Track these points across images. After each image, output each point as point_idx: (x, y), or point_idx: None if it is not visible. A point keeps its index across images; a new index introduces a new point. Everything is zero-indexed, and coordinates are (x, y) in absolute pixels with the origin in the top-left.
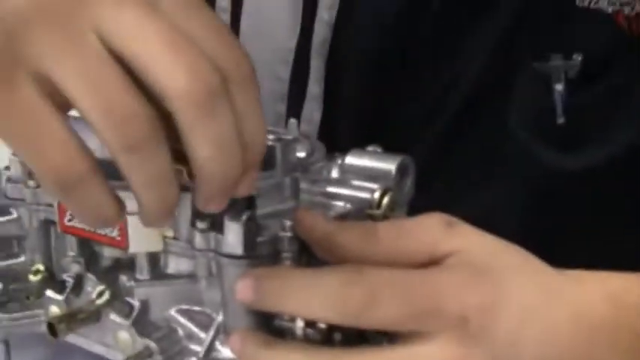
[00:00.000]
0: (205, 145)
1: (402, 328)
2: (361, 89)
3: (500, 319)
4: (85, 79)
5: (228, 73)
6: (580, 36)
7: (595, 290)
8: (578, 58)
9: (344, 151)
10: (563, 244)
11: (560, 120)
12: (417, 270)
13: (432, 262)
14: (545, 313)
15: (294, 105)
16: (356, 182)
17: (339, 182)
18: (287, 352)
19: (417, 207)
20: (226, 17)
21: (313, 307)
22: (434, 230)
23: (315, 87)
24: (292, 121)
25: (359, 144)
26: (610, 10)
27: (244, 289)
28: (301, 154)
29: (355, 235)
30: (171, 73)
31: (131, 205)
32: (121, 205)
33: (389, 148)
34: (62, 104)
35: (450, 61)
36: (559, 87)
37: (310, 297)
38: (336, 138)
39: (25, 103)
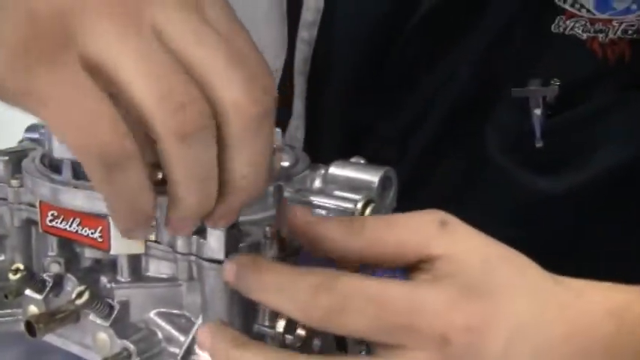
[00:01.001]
0: (183, 169)
1: (373, 339)
2: (342, 105)
3: (487, 340)
4: (143, 64)
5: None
6: (557, 61)
7: (596, 305)
8: (556, 83)
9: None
10: (544, 266)
11: (539, 144)
12: (398, 283)
13: (422, 262)
14: (539, 330)
15: (281, 124)
16: (339, 193)
17: (322, 192)
18: (259, 353)
19: None
20: None
21: (283, 306)
22: (426, 228)
23: (299, 104)
24: (277, 130)
25: (340, 158)
26: (585, 36)
27: (228, 271)
28: (285, 164)
29: (338, 227)
30: (229, 86)
31: None
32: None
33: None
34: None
35: (428, 79)
36: (537, 111)
37: (282, 296)
38: (320, 154)
39: (75, 82)
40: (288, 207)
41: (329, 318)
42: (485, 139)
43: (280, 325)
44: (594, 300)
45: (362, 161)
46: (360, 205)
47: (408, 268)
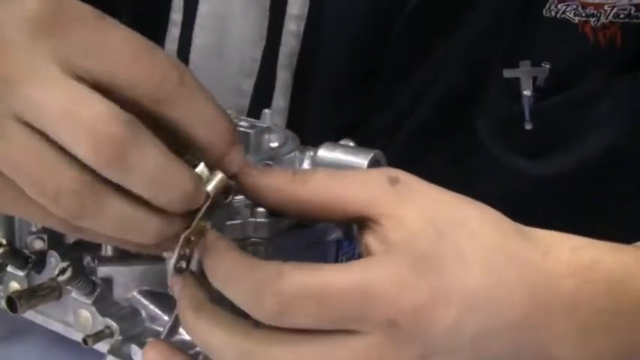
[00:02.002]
0: None
1: (321, 329)
2: (329, 100)
3: (435, 317)
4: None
5: None
6: (548, 45)
7: (561, 264)
8: (546, 65)
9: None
10: None
11: (528, 126)
12: (345, 272)
13: (369, 220)
14: (494, 294)
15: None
16: None
17: None
18: (212, 321)
19: None
20: (177, 31)
21: (233, 299)
22: (373, 185)
23: (279, 100)
24: (266, 111)
25: None
26: (576, 20)
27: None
28: (274, 144)
29: (280, 177)
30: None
31: None
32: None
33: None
34: None
35: (419, 71)
36: (527, 92)
37: (231, 289)
38: (306, 140)
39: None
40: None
41: (273, 318)
42: (475, 123)
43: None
44: (560, 259)
45: (351, 144)
46: None
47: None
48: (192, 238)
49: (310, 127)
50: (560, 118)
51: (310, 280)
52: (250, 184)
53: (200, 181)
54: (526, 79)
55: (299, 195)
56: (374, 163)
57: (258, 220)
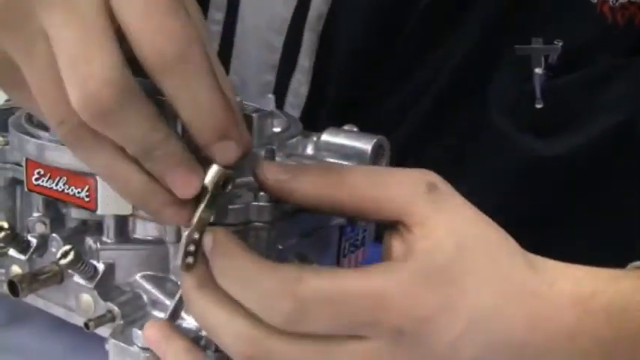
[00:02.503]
0: None
1: (333, 334)
2: (350, 68)
3: (441, 328)
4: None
5: None
6: (562, 23)
7: (564, 294)
8: (559, 43)
9: (325, 127)
10: (539, 231)
11: (539, 104)
12: (361, 277)
13: (400, 223)
14: (498, 322)
15: (283, 76)
16: (331, 160)
17: (314, 159)
18: (216, 299)
19: None
20: None
21: (246, 303)
22: (411, 190)
23: (305, 60)
24: (270, 96)
25: (342, 122)
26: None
27: (206, 245)
28: (277, 129)
29: (315, 178)
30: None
31: None
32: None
33: (370, 129)
34: None
35: (439, 45)
36: (538, 70)
37: (244, 294)
38: (321, 114)
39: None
40: (258, 163)
41: (289, 323)
42: (486, 101)
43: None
44: (564, 290)
45: (355, 129)
46: None
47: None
48: (196, 235)
49: (332, 89)
50: (572, 98)
51: (329, 285)
52: (285, 192)
53: (178, 153)
54: (538, 56)
55: (335, 199)
56: (377, 149)
57: (261, 203)
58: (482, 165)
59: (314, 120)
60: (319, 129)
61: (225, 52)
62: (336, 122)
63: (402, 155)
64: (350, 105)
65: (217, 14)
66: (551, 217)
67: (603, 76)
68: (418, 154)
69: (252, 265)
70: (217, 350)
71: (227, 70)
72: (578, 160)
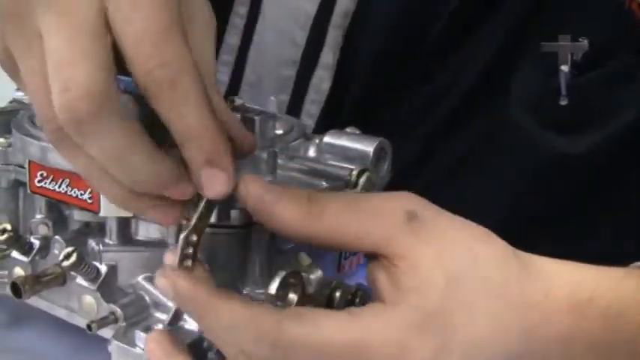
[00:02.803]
0: None
1: None
2: (374, 66)
3: None
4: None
5: None
6: (590, 20)
7: (561, 299)
8: (585, 40)
9: (347, 124)
10: (551, 229)
11: (564, 102)
12: (346, 327)
13: (381, 257)
14: (493, 342)
15: (303, 72)
16: (333, 162)
17: (317, 161)
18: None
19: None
20: None
21: (223, 347)
22: (391, 222)
23: (328, 56)
24: (272, 98)
25: (363, 120)
26: None
27: (164, 286)
28: (279, 132)
29: (296, 210)
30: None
31: None
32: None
33: (392, 128)
34: None
35: (463, 46)
36: (564, 68)
37: (225, 341)
38: (341, 111)
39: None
40: (241, 178)
41: None
42: (509, 96)
43: (273, 287)
44: (560, 296)
45: (357, 132)
46: (355, 174)
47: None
48: (195, 238)
49: (353, 88)
50: (595, 95)
51: (310, 332)
52: (265, 216)
53: (162, 175)
54: (565, 53)
55: (315, 232)
56: (379, 151)
57: None
58: (502, 162)
59: (334, 117)
60: (340, 126)
61: (244, 47)
62: (357, 120)
63: (422, 155)
64: (370, 104)
65: (242, 9)
66: (565, 214)
67: (627, 73)
68: (438, 153)
69: (233, 314)
70: (219, 352)
71: (243, 65)
72: (599, 157)
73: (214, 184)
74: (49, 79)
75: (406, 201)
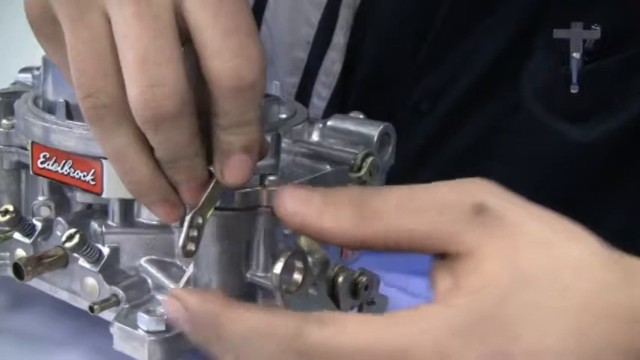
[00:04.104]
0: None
1: None
2: (384, 48)
3: None
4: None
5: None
6: (601, 7)
7: None
8: (598, 27)
9: (356, 107)
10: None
11: (574, 89)
12: (372, 332)
13: (445, 255)
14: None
15: (317, 53)
16: (337, 146)
17: (321, 145)
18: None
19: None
20: None
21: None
22: (454, 216)
23: (339, 36)
24: (276, 82)
25: (373, 103)
26: None
27: (174, 307)
28: (283, 115)
29: (345, 215)
30: (217, 55)
31: None
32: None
33: (401, 113)
34: None
35: (474, 31)
36: (576, 55)
37: (247, 353)
38: (351, 94)
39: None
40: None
41: None
42: (520, 84)
43: (278, 267)
44: None
45: (361, 116)
46: (360, 157)
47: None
48: (200, 220)
49: (364, 68)
50: (607, 83)
51: (333, 338)
52: (304, 225)
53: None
54: (576, 41)
55: (369, 235)
56: (383, 136)
57: (269, 188)
58: (513, 151)
59: (344, 99)
60: (350, 109)
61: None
62: (366, 103)
63: (430, 142)
64: (382, 85)
65: None
66: (576, 203)
67: (639, 61)
68: (447, 141)
69: (247, 323)
70: None
71: None
72: (610, 147)
73: (239, 171)
74: (125, 68)
75: (474, 191)
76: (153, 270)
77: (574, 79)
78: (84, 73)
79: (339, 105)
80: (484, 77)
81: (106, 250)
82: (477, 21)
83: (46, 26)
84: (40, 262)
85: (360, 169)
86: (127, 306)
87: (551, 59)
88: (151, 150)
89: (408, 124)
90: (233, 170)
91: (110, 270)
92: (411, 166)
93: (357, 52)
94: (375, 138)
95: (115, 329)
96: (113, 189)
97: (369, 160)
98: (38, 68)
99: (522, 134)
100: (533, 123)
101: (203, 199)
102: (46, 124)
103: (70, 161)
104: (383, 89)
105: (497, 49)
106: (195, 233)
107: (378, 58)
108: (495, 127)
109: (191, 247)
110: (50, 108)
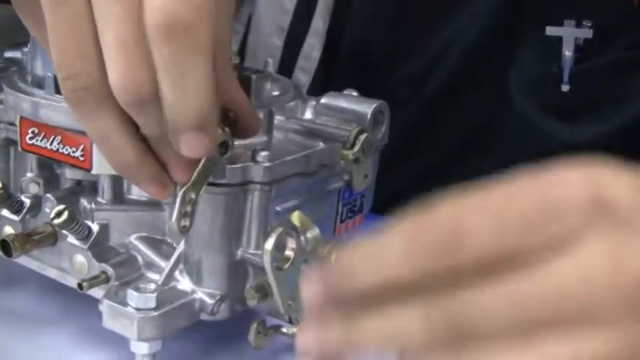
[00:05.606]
0: None
1: None
2: (364, 34)
3: None
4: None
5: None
6: (593, 5)
7: None
8: (587, 24)
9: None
10: None
11: (565, 88)
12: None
13: None
14: None
15: (295, 39)
16: (330, 124)
17: (313, 122)
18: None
19: (399, 176)
20: None
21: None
22: (573, 211)
23: (319, 22)
24: (269, 60)
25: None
26: None
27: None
28: (275, 92)
29: (432, 242)
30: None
31: None
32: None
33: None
34: None
35: (455, 13)
36: (568, 53)
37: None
38: (332, 79)
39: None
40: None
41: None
42: (509, 81)
43: (270, 242)
44: None
45: (355, 93)
46: (353, 134)
47: None
48: (193, 196)
49: (344, 54)
50: (599, 82)
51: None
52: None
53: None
54: (569, 38)
55: (458, 261)
56: (377, 114)
57: (260, 164)
58: (502, 148)
59: (325, 86)
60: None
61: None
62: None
63: (414, 134)
64: (362, 71)
65: None
66: None
67: (632, 61)
68: (430, 133)
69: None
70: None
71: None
72: (601, 147)
73: (194, 148)
74: (105, 52)
75: (592, 179)
76: (143, 247)
77: (565, 77)
78: (63, 53)
79: (318, 92)
80: (466, 68)
81: (95, 227)
82: (455, 7)
83: (25, 3)
84: (28, 239)
85: (353, 145)
86: (116, 283)
87: (542, 57)
88: (136, 129)
89: (391, 109)
90: (188, 147)
91: (99, 247)
92: (399, 154)
93: (337, 37)
94: (369, 115)
95: (105, 307)
96: (103, 165)
97: (363, 136)
98: (26, 44)
99: (512, 131)
100: (522, 119)
101: (195, 174)
102: (34, 99)
103: (59, 137)
104: (363, 76)
105: (475, 38)
106: (188, 209)
107: (358, 42)
108: (485, 122)
109: (185, 222)
110: (39, 83)
